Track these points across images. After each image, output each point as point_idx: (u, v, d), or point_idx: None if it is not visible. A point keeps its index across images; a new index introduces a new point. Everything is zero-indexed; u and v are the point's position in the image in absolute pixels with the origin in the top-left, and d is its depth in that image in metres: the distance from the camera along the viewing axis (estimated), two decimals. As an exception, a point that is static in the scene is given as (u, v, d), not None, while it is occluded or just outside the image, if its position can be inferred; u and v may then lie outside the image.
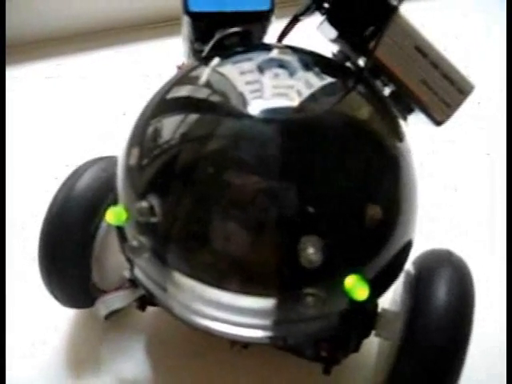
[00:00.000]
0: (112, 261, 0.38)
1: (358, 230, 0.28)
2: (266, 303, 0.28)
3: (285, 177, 0.27)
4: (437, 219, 0.48)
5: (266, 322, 0.29)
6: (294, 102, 0.29)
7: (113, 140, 0.35)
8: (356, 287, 0.27)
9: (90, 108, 0.63)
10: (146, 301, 0.37)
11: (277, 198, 0.27)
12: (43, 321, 0.42)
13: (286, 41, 0.34)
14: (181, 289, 0.29)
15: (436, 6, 0.76)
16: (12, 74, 0.65)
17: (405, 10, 0.31)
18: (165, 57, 0.41)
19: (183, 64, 0.37)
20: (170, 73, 0.34)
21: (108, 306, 0.38)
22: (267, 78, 0.30)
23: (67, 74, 0.68)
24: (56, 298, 0.37)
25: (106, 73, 0.68)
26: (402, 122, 0.33)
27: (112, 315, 0.38)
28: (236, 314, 0.29)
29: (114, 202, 0.33)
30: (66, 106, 0.64)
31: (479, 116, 0.57)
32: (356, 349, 0.34)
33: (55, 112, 0.63)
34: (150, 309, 0.38)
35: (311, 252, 0.25)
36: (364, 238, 0.28)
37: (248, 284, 0.28)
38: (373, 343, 0.37)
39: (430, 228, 0.45)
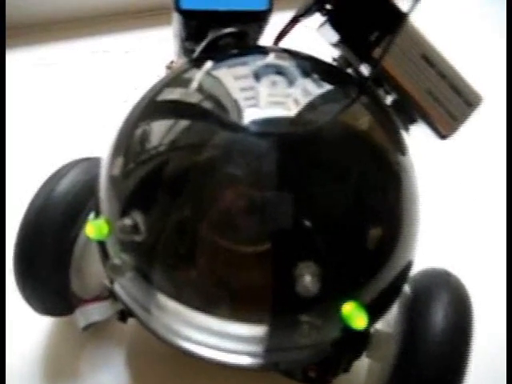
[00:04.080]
0: (92, 269, 0.35)
1: (358, 255, 0.26)
2: (257, 330, 0.26)
3: (281, 196, 0.25)
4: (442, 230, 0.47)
5: (257, 349, 0.27)
6: (291, 112, 0.27)
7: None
8: (354, 315, 0.25)
9: (86, 98, 0.60)
10: (127, 313, 0.35)
11: (272, 218, 0.25)
12: (20, 332, 0.40)
13: (284, 42, 0.32)
14: (165, 311, 0.27)
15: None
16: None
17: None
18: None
19: (172, 63, 0.35)
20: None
21: (87, 317, 0.36)
22: (263, 85, 0.27)
23: (60, 61, 0.65)
24: (32, 306, 0.35)
25: (103, 60, 0.66)
26: (404, 134, 0.31)
27: (91, 326, 0.36)
28: (225, 341, 0.27)
29: (96, 208, 0.31)
30: (59, 95, 0.61)
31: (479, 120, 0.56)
32: (346, 369, 0.32)
33: (47, 101, 0.60)
34: (131, 319, 0.36)
35: (308, 280, 0.24)
36: (364, 263, 0.26)
37: (239, 310, 0.26)
38: (363, 362, 0.35)
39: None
